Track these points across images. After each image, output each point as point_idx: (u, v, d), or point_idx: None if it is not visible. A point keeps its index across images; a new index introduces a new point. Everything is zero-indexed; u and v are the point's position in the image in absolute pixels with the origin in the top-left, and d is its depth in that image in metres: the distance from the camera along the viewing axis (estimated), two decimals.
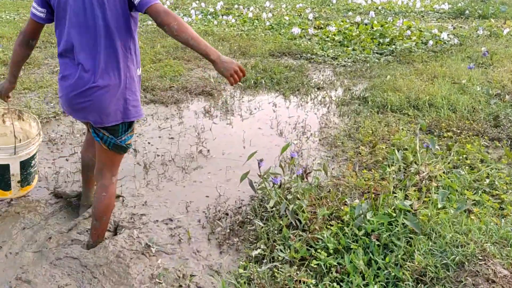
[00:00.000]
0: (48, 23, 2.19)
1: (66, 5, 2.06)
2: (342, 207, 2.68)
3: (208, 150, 3.85)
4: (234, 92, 5.47)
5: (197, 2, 14.03)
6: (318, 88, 5.69)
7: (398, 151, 3.38)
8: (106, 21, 2.03)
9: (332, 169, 3.42)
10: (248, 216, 2.83)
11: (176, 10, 13.37)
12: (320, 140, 4.06)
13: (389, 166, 3.24)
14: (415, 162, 3.27)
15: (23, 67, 2.55)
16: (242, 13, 11.84)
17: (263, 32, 9.73)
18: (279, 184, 2.85)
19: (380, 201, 2.62)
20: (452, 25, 9.83)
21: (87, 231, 2.62)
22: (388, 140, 3.84)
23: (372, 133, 4.03)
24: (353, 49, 7.73)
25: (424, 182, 2.98)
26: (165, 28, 1.91)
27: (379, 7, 14.08)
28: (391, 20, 9.77)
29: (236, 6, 13.80)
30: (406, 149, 3.54)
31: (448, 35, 8.08)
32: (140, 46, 7.71)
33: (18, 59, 2.32)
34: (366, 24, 9.70)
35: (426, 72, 5.94)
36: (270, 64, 6.71)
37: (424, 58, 6.91)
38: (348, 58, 7.24)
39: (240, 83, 5.75)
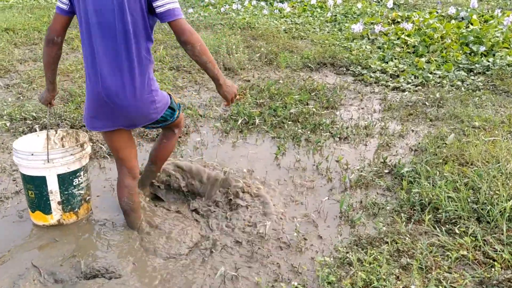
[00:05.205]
0: (71, 16, 2.08)
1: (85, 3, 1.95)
2: None
3: None
4: (204, 139, 3.64)
5: None
6: (340, 138, 3.62)
7: None
8: (126, 25, 1.93)
9: None
10: None
11: None
12: None
13: None
14: None
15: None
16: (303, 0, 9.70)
17: (320, 26, 7.62)
18: None
19: None
20: None
21: None
22: None
23: None
24: (428, 61, 5.37)
25: None
26: (188, 47, 1.91)
27: None
28: (499, 14, 6.95)
29: None
30: None
31: None
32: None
33: (47, 59, 2.18)
34: (462, 19, 7.06)
35: None
36: (290, 84, 4.72)
37: None
38: (415, 77, 4.95)
39: (218, 124, 3.90)
